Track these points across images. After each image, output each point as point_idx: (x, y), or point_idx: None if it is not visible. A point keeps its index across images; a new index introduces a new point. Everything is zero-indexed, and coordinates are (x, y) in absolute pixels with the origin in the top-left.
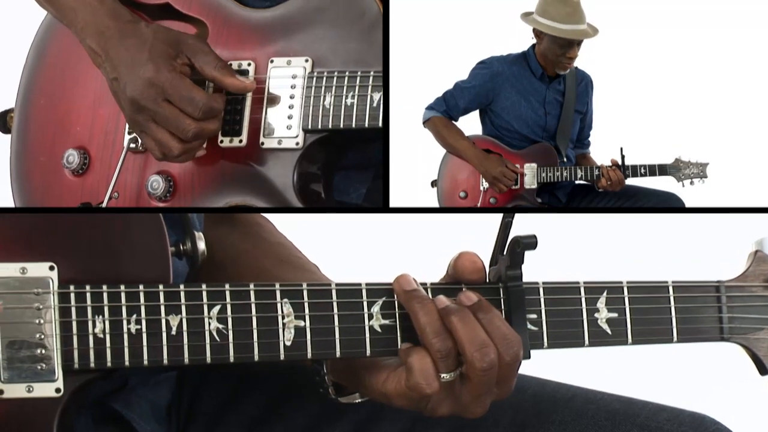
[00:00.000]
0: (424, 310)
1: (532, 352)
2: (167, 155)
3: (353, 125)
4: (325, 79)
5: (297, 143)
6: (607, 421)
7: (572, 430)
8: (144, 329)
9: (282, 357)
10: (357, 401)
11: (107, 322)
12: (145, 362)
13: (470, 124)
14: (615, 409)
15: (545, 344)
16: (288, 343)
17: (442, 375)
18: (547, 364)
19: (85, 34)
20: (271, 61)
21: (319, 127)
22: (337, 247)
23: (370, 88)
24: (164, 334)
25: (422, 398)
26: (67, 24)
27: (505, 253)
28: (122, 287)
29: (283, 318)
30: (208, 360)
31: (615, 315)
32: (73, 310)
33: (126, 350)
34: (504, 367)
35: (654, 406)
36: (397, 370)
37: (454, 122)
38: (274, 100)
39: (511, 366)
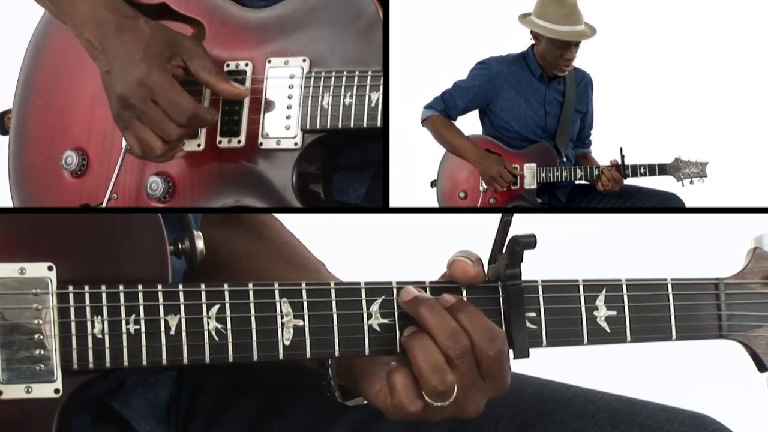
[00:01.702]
0: (423, 352)
1: (531, 351)
2: (148, 154)
3: (352, 125)
4: (323, 79)
5: (295, 143)
6: (607, 421)
7: (572, 430)
8: (143, 329)
9: (281, 356)
10: (364, 403)
11: (106, 323)
12: (144, 362)
13: (470, 124)
14: (615, 409)
15: (544, 342)
16: (287, 343)
17: (437, 404)
18: (546, 364)
19: (83, 28)
20: (269, 61)
21: (318, 127)
22: (337, 247)
23: (368, 87)
24: (163, 334)
25: (407, 415)
26: (64, 19)
27: (504, 251)
28: (121, 287)
29: (282, 317)
30: (207, 360)
31: (614, 313)
32: (72, 310)
33: (125, 350)
34: (489, 362)
35: (654, 406)
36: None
37: (452, 121)
38: (271, 100)
39: (496, 360)
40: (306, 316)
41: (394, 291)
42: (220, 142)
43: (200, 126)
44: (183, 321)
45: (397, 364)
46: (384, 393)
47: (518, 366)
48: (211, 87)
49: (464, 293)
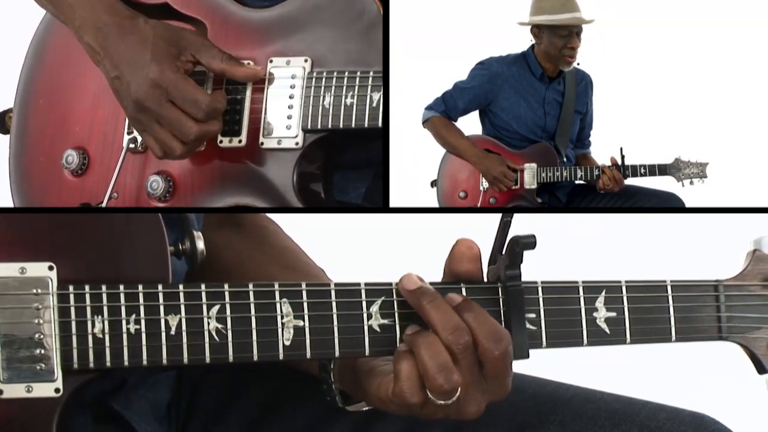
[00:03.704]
0: (429, 350)
1: (531, 352)
2: (168, 155)
3: (353, 125)
4: (324, 79)
5: (296, 143)
6: (607, 420)
7: (572, 430)
8: (143, 329)
9: (281, 357)
10: (364, 409)
11: (106, 322)
12: (144, 362)
13: (470, 124)
14: (615, 409)
15: (544, 344)
16: (287, 343)
17: (440, 402)
18: (546, 364)
19: (83, 31)
20: (270, 61)
21: (319, 127)
22: (337, 247)
23: (369, 88)
24: (163, 334)
25: (406, 406)
26: (64, 21)
27: (504, 252)
28: (121, 287)
29: (282, 318)
30: (208, 360)
31: (614, 314)
32: (72, 310)
33: (125, 350)
34: (493, 362)
35: (654, 406)
36: (390, 376)
37: (453, 122)
38: (273, 100)
39: (501, 360)
40: (306, 317)
41: (394, 292)
42: (221, 141)
43: (216, 117)
44: (183, 321)
45: (405, 350)
46: (386, 383)
47: (518, 366)
48: (227, 74)
49: (464, 292)
